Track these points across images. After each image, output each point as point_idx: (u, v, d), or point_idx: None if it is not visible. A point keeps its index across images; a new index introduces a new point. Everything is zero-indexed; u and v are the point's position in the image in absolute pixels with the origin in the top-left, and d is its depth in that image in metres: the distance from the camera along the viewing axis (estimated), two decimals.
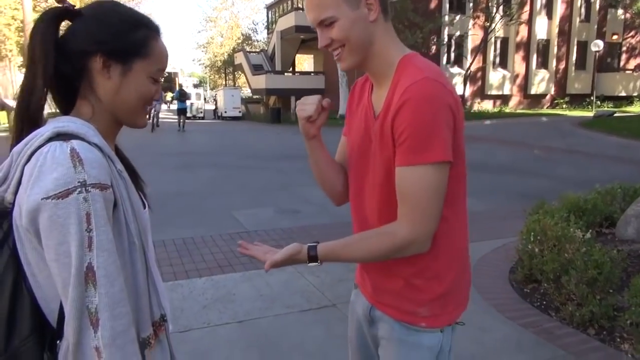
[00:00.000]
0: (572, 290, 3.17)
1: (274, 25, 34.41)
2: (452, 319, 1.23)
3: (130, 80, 0.99)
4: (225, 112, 29.31)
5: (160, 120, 19.14)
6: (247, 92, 39.58)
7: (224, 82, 48.41)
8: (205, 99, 36.79)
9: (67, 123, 0.93)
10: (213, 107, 33.51)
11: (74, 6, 0.99)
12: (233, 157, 11.81)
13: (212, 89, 54.38)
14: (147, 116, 1.11)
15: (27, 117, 0.95)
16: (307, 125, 1.27)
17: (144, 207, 1.08)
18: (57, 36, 0.97)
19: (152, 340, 0.99)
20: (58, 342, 0.92)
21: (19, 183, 0.89)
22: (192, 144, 14.80)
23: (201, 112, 31.01)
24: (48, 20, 0.96)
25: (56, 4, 0.98)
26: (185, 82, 50.85)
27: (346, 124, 1.37)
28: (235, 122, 27.62)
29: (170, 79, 52.12)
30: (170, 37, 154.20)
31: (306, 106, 1.24)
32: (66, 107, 1.02)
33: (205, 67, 54.82)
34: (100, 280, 0.85)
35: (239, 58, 36.08)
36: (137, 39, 0.99)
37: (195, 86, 52.69)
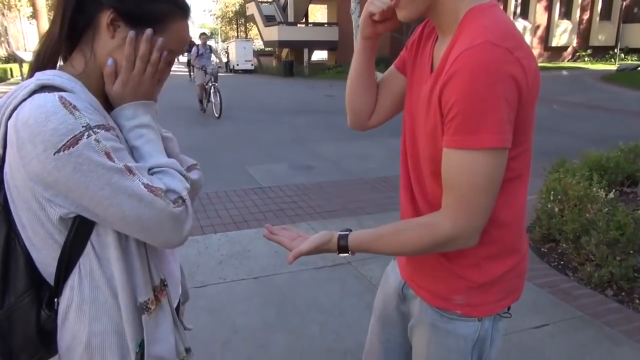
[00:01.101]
0: (592, 251, 3.12)
1: None
2: (495, 310, 1.11)
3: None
4: (237, 64, 28.95)
5: (172, 74, 13.72)
6: (259, 44, 38.81)
7: (235, 34, 47.50)
8: (216, 51, 36.23)
9: (52, 77, 0.87)
10: (225, 60, 33.07)
11: None
12: (245, 111, 11.70)
13: (223, 41, 53.42)
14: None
15: (40, 64, 0.92)
16: (367, 21, 1.14)
17: None
18: None
19: (151, 305, 0.96)
20: (56, 299, 0.91)
21: (5, 139, 0.85)
22: None
23: None
24: None
25: None
26: (196, 33, 49.94)
27: (401, 57, 1.21)
28: (247, 75, 27.27)
29: None
30: None
31: (377, 2, 1.09)
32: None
33: (217, 18, 53.68)
34: (164, 189, 0.87)
35: (251, 9, 35.14)
36: (156, 11, 0.92)
37: (207, 38, 51.64)
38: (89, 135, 0.81)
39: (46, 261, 0.89)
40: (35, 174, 0.81)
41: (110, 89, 0.93)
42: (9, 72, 20.59)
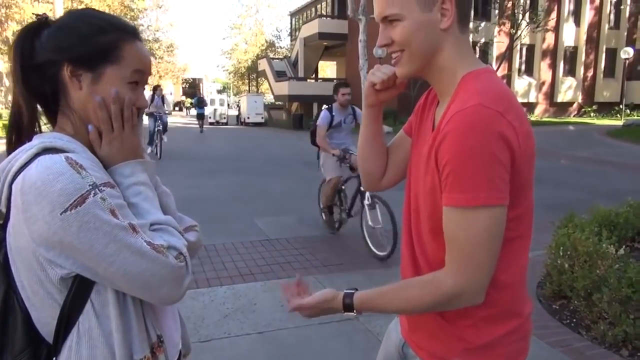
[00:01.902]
0: (604, 309, 3.05)
1: (297, 32, 34.61)
2: None
3: (103, 88, 0.93)
4: (248, 117, 29.61)
5: (168, 127, 12.35)
6: (269, 98, 39.86)
7: (247, 88, 48.93)
8: (228, 104, 37.22)
9: (53, 139, 0.90)
10: (236, 113, 33.90)
11: (46, 17, 0.95)
12: (255, 163, 11.86)
13: (235, 95, 54.96)
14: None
15: (16, 135, 0.95)
16: (370, 91, 1.21)
17: None
18: (32, 52, 0.93)
19: None
20: (54, 358, 0.90)
21: (9, 199, 0.86)
22: (215, 150, 14.93)
23: (224, 118, 31.36)
24: (19, 37, 0.94)
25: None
26: (209, 87, 51.60)
27: (409, 121, 1.27)
28: (257, 128, 27.82)
29: (195, 85, 52.92)
30: (195, 43, 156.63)
31: (378, 73, 1.16)
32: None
33: (229, 74, 55.42)
34: (166, 245, 0.89)
35: (263, 64, 36.39)
36: (105, 43, 0.92)
37: (219, 92, 53.30)
38: (95, 194, 0.83)
39: (45, 320, 0.89)
40: (39, 235, 0.82)
41: (98, 151, 0.95)
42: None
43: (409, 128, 1.27)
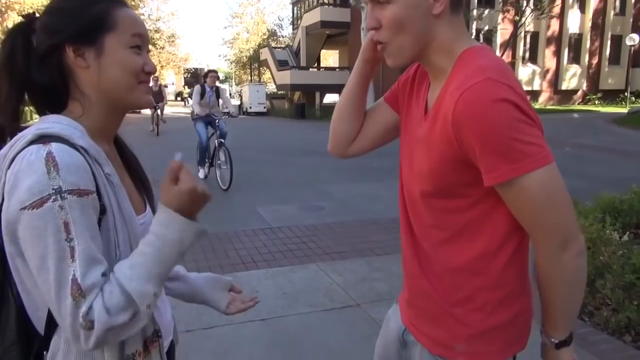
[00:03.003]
0: (608, 295, 3.04)
1: (299, 21, 34.36)
2: (500, 359, 1.06)
3: (109, 58, 0.91)
4: (250, 107, 29.52)
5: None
6: (272, 87, 39.71)
7: (249, 78, 48.74)
8: (230, 94, 37.11)
9: (52, 124, 0.88)
10: (238, 103, 33.84)
11: (33, 13, 0.94)
12: (257, 152, 11.83)
13: (237, 85, 54.78)
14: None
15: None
16: (370, 45, 1.10)
17: (145, 210, 1.01)
18: (30, 47, 0.92)
19: (138, 357, 0.93)
20: (45, 352, 0.88)
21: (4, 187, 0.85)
22: None
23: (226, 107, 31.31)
24: (11, 37, 0.92)
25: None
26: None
27: (392, 91, 1.21)
28: (259, 117, 27.75)
29: (197, 75, 52.73)
30: (196, 33, 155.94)
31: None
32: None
33: (231, 63, 55.16)
34: (89, 293, 0.79)
35: (264, 54, 36.19)
36: (97, 13, 0.91)
37: (221, 82, 53.08)
38: (54, 200, 0.79)
39: (37, 305, 0.87)
40: (5, 221, 0.82)
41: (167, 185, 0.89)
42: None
43: (392, 99, 1.21)
